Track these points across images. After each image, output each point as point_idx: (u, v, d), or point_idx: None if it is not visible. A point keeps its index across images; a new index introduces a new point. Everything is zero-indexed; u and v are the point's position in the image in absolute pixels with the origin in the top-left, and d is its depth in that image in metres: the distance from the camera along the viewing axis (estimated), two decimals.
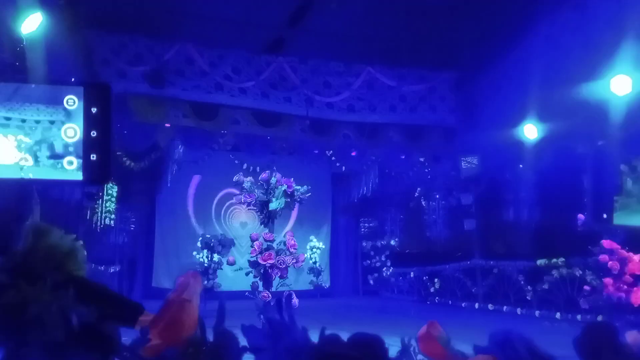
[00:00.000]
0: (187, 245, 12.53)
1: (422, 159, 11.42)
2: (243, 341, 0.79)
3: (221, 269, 10.13)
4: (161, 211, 13.85)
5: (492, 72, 9.83)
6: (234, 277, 9.16)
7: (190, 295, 0.79)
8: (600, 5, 7.30)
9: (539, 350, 0.79)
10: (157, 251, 13.69)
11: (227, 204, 13.37)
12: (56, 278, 0.71)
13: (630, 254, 6.84)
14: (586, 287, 7.47)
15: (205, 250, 10.18)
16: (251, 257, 7.99)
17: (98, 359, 0.73)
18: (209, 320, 0.79)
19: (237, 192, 8.53)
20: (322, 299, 13.29)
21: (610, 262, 6.89)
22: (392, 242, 14.59)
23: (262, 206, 8.20)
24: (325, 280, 14.18)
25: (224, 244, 10.11)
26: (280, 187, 8.04)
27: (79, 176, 0.68)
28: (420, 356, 0.80)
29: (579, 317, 7.83)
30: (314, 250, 13.53)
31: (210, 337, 0.79)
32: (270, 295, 7.71)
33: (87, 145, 0.66)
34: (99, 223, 10.97)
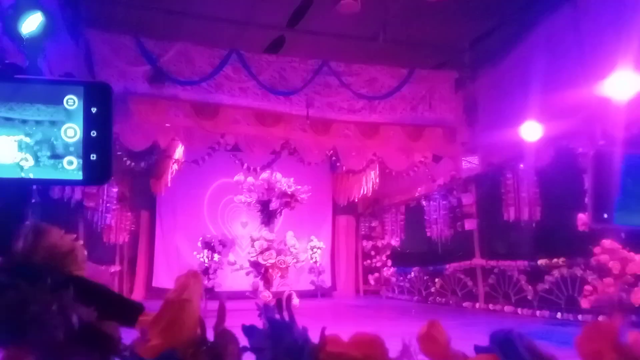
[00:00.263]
0: (188, 245, 12.54)
1: (422, 159, 11.42)
2: (243, 341, 0.79)
3: (222, 268, 10.14)
4: (161, 211, 13.87)
5: (492, 71, 9.84)
6: (235, 277, 9.18)
7: (190, 295, 0.79)
8: (601, 4, 7.29)
9: (540, 350, 0.79)
10: (158, 251, 13.71)
11: (228, 203, 13.39)
12: (56, 278, 0.71)
13: (631, 253, 6.85)
14: (587, 287, 7.47)
15: (205, 250, 10.18)
16: (252, 256, 8.01)
17: (98, 359, 0.73)
18: (209, 320, 0.79)
19: (238, 191, 8.56)
20: (322, 298, 13.31)
21: (611, 262, 6.90)
22: (393, 242, 14.59)
23: (262, 206, 8.22)
24: (325, 280, 14.19)
25: (225, 244, 10.11)
26: (280, 186, 8.05)
27: (79, 176, 0.68)
28: (420, 356, 0.79)
29: (579, 317, 7.83)
30: (315, 250, 13.54)
31: (210, 337, 0.79)
32: (270, 295, 7.72)
33: (87, 145, 0.66)
34: (99, 223, 10.98)
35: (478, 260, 10.75)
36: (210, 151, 11.68)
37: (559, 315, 8.40)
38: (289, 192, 8.13)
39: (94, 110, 0.78)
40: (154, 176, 13.04)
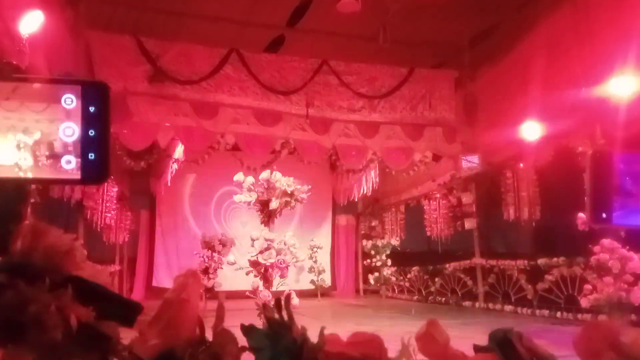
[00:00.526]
0: (187, 245, 12.54)
1: (422, 158, 11.42)
2: (242, 341, 0.79)
3: (221, 268, 10.14)
4: (161, 210, 13.87)
5: (492, 71, 9.83)
6: (234, 276, 9.17)
7: (189, 294, 0.79)
8: (600, 4, 7.29)
9: (539, 349, 0.79)
10: (157, 251, 13.71)
11: (227, 203, 13.39)
12: (55, 278, 0.71)
13: (631, 253, 6.85)
14: (587, 286, 7.47)
15: (205, 250, 10.18)
16: (251, 256, 8.00)
17: (97, 359, 0.73)
18: (208, 319, 0.79)
19: (238, 191, 8.56)
20: (322, 298, 13.31)
21: (611, 262, 6.90)
22: (393, 241, 14.59)
23: (262, 205, 8.22)
24: (325, 280, 14.20)
25: (224, 244, 10.11)
26: (280, 186, 8.05)
27: (77, 175, 0.68)
28: (419, 356, 0.79)
29: (579, 316, 7.84)
30: (315, 249, 13.55)
31: (209, 336, 0.79)
32: (270, 295, 7.72)
33: (86, 145, 0.66)
34: (99, 222, 10.98)
35: (478, 260, 10.75)
36: (210, 151, 11.68)
37: (558, 314, 8.40)
38: (289, 192, 8.13)
39: (92, 109, 0.78)
40: (154, 176, 13.05)
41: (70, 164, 0.77)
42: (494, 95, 9.77)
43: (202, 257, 10.17)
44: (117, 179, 11.40)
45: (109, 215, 11.34)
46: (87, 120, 0.78)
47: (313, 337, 0.78)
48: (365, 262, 15.10)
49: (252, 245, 8.02)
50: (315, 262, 13.60)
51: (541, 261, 8.92)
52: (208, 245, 10.09)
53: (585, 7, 7.55)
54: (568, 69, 7.72)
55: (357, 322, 8.66)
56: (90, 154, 0.77)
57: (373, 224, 15.40)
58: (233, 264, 9.25)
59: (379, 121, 10.22)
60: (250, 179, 8.32)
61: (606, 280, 6.95)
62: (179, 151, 11.71)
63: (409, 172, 11.91)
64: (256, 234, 8.15)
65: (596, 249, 7.10)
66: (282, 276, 7.95)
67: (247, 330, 0.79)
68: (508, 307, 9.66)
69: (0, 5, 4.87)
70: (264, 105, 9.63)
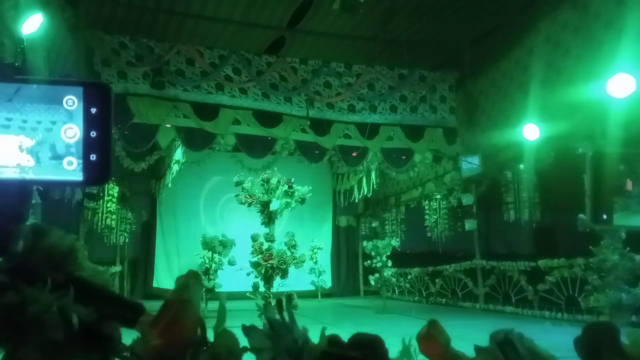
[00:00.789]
0: (188, 246, 12.54)
1: (422, 159, 11.41)
2: (244, 341, 0.79)
3: (222, 269, 10.13)
4: (162, 211, 13.87)
5: (493, 71, 9.84)
6: (235, 277, 9.17)
7: (191, 295, 0.79)
8: (600, 4, 7.30)
9: (540, 350, 0.79)
10: (158, 251, 13.71)
11: (228, 204, 13.38)
12: (56, 278, 0.71)
13: (632, 254, 6.85)
14: (587, 287, 7.47)
15: (206, 251, 10.18)
16: (252, 257, 8.00)
17: (98, 359, 0.73)
18: (209, 320, 0.79)
19: (238, 192, 8.55)
20: (323, 299, 13.31)
21: (611, 262, 6.89)
22: (393, 243, 14.57)
23: (263, 206, 8.22)
24: (326, 281, 14.19)
25: (225, 244, 10.11)
26: (280, 187, 8.05)
27: (79, 177, 0.68)
28: (420, 356, 0.79)
29: (580, 317, 7.83)
30: (315, 250, 13.53)
31: (210, 337, 0.79)
32: (271, 296, 7.72)
33: (87, 146, 0.66)
34: (100, 223, 10.98)
35: (478, 261, 10.74)
36: (211, 152, 11.68)
37: (559, 315, 8.39)
38: (289, 193, 8.12)
39: (93, 110, 0.78)
40: (155, 177, 13.05)
41: (72, 165, 0.77)
42: (494, 96, 9.77)
43: (203, 258, 10.17)
44: (118, 180, 11.40)
45: (110, 216, 11.34)
46: (89, 122, 0.78)
47: (314, 338, 0.78)
48: (365, 263, 15.08)
49: (253, 246, 8.02)
50: (315, 263, 13.59)
51: (542, 262, 8.91)
52: (209, 246, 10.09)
53: (585, 7, 7.56)
54: (568, 69, 7.72)
55: (358, 323, 8.66)
56: (91, 155, 0.77)
57: (373, 225, 15.40)
58: (234, 264, 9.26)
59: (379, 122, 10.23)
60: (250, 180, 8.32)
61: (607, 281, 6.95)
62: (179, 152, 11.71)
63: (410, 173, 11.90)
64: (257, 235, 8.15)
65: (597, 250, 7.10)
66: (282, 277, 7.95)
67: (248, 330, 0.79)
68: (509, 308, 9.65)
69: (2, 6, 4.88)
70: (264, 107, 9.64)
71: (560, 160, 8.19)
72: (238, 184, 8.32)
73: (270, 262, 7.80)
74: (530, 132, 8.52)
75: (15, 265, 0.70)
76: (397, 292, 14.10)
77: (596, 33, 7.25)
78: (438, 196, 12.32)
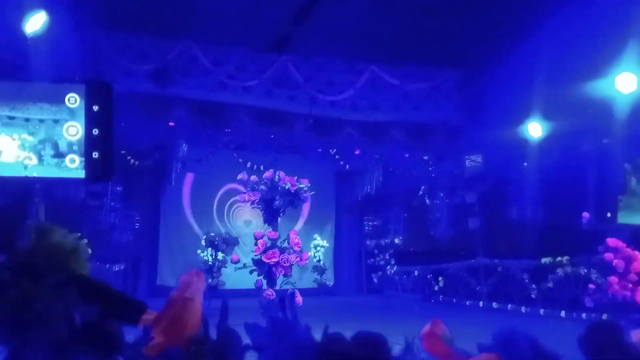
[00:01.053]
0: (192, 244, 12.55)
1: (426, 157, 11.40)
2: (246, 339, 0.79)
3: (225, 267, 10.14)
4: (165, 209, 13.88)
5: (496, 69, 9.79)
6: (238, 275, 9.17)
7: (193, 293, 0.79)
8: (606, 1, 7.26)
9: (543, 348, 0.79)
10: (162, 249, 13.72)
11: (231, 202, 13.39)
12: (59, 276, 0.71)
13: (636, 252, 6.82)
14: (591, 286, 7.45)
15: (209, 249, 10.19)
16: (255, 255, 8.00)
17: (101, 357, 0.73)
18: (212, 318, 0.79)
19: (241, 190, 8.55)
20: (326, 297, 13.30)
21: (616, 261, 6.87)
22: (396, 241, 14.57)
23: (266, 204, 8.21)
24: (329, 279, 14.19)
25: (228, 242, 10.12)
26: (283, 185, 8.04)
27: (81, 174, 0.68)
28: (423, 354, 0.79)
29: (583, 315, 7.81)
30: (318, 248, 13.53)
31: (213, 335, 0.79)
32: (274, 294, 7.72)
33: (89, 144, 0.66)
34: (103, 222, 11.00)
35: (481, 259, 10.73)
36: (214, 150, 11.68)
37: (562, 313, 8.37)
38: (293, 191, 8.12)
39: (95, 108, 0.78)
40: (158, 175, 13.06)
41: (74, 163, 0.77)
42: (498, 93, 9.74)
43: (206, 255, 10.18)
44: (121, 178, 11.41)
45: (114, 214, 11.36)
46: (91, 120, 0.78)
47: (317, 335, 0.78)
48: (368, 261, 15.08)
49: (256, 244, 8.02)
50: (319, 261, 13.59)
51: (545, 260, 8.89)
52: (212, 244, 10.10)
53: (592, 4, 7.52)
54: (573, 67, 7.69)
55: (361, 321, 8.65)
56: (94, 153, 0.77)
57: (376, 223, 15.39)
58: (237, 262, 9.26)
59: (382, 120, 10.21)
60: (254, 178, 8.31)
61: (611, 279, 6.93)
62: (183, 150, 11.71)
63: (413, 172, 11.89)
64: (260, 233, 8.15)
65: (601, 248, 7.07)
66: (285, 275, 7.95)
67: (251, 328, 0.79)
68: (512, 306, 9.63)
69: (6, 5, 4.89)
70: (267, 105, 9.63)
71: (564, 158, 8.17)
72: (241, 181, 8.32)
73: (273, 260, 7.80)
74: (535, 130, 8.50)
75: (19, 263, 0.70)
76: (400, 290, 14.09)
77: (602, 30, 7.22)
78: (441, 194, 12.30)
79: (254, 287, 8.01)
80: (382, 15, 8.91)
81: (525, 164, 9.38)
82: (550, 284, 8.73)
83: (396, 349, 0.79)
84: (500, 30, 9.25)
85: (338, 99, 9.96)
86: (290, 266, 8.01)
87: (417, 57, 10.00)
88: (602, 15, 7.27)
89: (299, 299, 7.17)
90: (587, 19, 7.54)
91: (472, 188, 11.15)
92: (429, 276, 12.74)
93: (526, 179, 9.39)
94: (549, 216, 9.10)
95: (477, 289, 10.83)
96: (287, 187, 8.08)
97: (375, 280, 14.70)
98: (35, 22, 5.46)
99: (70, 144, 0.79)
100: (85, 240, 0.80)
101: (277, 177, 8.16)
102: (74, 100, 0.78)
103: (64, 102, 0.78)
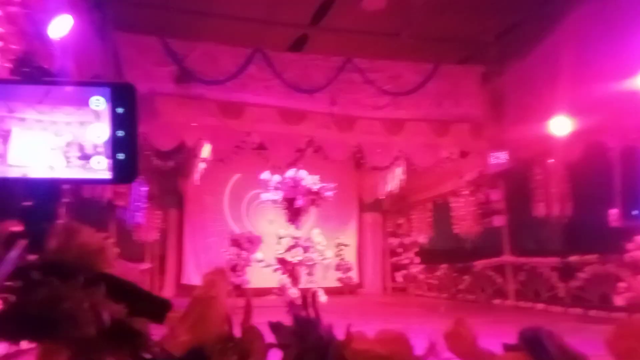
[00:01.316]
0: (215, 243, 12.68)
1: (449, 155, 11.29)
2: (270, 337, 0.80)
3: (249, 265, 10.22)
4: (189, 209, 14.05)
5: (519, 65, 9.66)
6: (262, 273, 9.24)
7: (218, 292, 0.80)
8: None
9: (570, 348, 0.78)
10: (186, 249, 13.89)
11: (254, 201, 13.48)
12: (88, 275, 0.73)
13: None
14: (621, 284, 7.29)
15: (233, 247, 10.28)
16: (278, 254, 8.05)
17: (128, 354, 0.74)
18: (236, 317, 0.80)
19: (264, 189, 8.61)
20: (349, 296, 13.30)
21: None
22: (420, 239, 14.48)
23: (288, 203, 8.25)
24: (352, 278, 14.18)
25: (252, 241, 10.19)
26: (305, 184, 8.07)
27: (107, 175, 0.70)
28: (447, 354, 0.79)
29: (613, 314, 7.65)
30: (341, 247, 13.54)
31: (237, 333, 0.80)
32: (297, 292, 7.75)
33: (114, 145, 0.67)
34: (129, 221, 11.18)
35: (507, 257, 10.59)
36: (236, 149, 11.78)
37: (591, 313, 8.21)
38: (315, 190, 8.13)
39: (120, 110, 0.79)
40: (182, 175, 13.22)
41: (100, 164, 0.79)
42: (521, 90, 9.60)
43: (230, 254, 10.27)
44: (146, 178, 11.59)
45: (139, 214, 11.53)
46: (116, 122, 0.79)
47: (340, 334, 0.78)
48: (392, 259, 15.03)
49: (279, 243, 8.06)
50: (342, 259, 13.59)
51: (573, 258, 8.74)
52: (236, 243, 10.19)
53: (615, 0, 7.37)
54: (597, 63, 7.53)
55: (384, 319, 8.62)
56: (119, 154, 0.79)
57: (400, 221, 15.32)
58: (260, 261, 9.32)
59: (404, 118, 10.15)
60: (276, 178, 8.35)
61: None
62: (206, 150, 11.83)
63: (436, 169, 11.80)
64: (283, 232, 8.19)
65: (630, 246, 6.92)
66: (309, 274, 7.97)
67: (275, 327, 0.79)
68: (539, 306, 9.49)
69: (32, 9, 5.00)
70: (288, 104, 9.67)
71: (590, 154, 8.01)
72: (263, 181, 8.37)
73: (297, 258, 7.83)
74: (559, 126, 8.35)
75: (49, 263, 0.71)
76: (424, 289, 14.01)
77: (627, 24, 7.06)
78: (465, 192, 12.18)
79: (277, 286, 8.06)
80: (402, 12, 8.86)
81: (550, 160, 9.22)
82: (579, 283, 8.58)
83: (419, 348, 0.78)
84: (523, 24, 9.12)
85: (359, 96, 9.94)
86: (314, 265, 8.04)
87: (438, 53, 9.92)
88: (628, 8, 7.11)
89: (322, 297, 7.18)
90: (612, 11, 7.38)
91: (496, 185, 11.02)
92: (454, 274, 12.64)
93: (552, 176, 9.23)
94: (577, 213, 8.93)
95: (504, 287, 10.70)
96: (309, 186, 8.10)
97: (400, 278, 14.64)
98: (61, 26, 5.57)
99: (96, 146, 0.81)
100: (112, 240, 0.81)
101: (299, 176, 8.20)
102: (98, 102, 0.80)
103: (89, 104, 0.80)
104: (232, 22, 9.25)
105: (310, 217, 10.96)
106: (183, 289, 12.94)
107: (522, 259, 10.16)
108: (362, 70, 9.89)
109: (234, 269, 9.93)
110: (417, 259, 14.38)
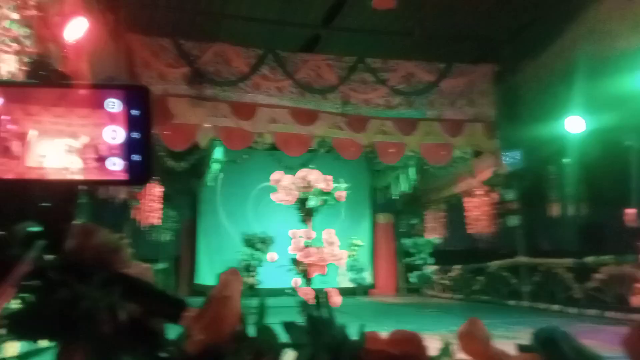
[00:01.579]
0: (229, 243, 12.73)
1: (462, 154, 11.23)
2: (284, 337, 0.80)
3: (262, 265, 10.25)
4: (203, 210, 14.13)
5: (534, 64, 9.58)
6: (275, 274, 9.26)
7: (232, 291, 0.80)
8: None
9: (585, 349, 0.77)
10: (200, 249, 13.97)
11: (266, 201, 13.51)
12: (104, 275, 0.74)
13: None
14: (637, 285, 7.20)
15: (246, 248, 10.32)
16: (291, 254, 8.07)
17: (145, 353, 0.75)
18: (250, 316, 0.80)
19: (276, 190, 8.63)
20: (362, 296, 13.29)
21: None
22: (434, 240, 14.42)
23: (301, 204, 8.26)
24: (366, 278, 14.16)
25: (265, 242, 10.23)
26: (318, 184, 8.07)
27: (123, 176, 0.71)
28: (460, 354, 0.78)
29: (629, 315, 7.55)
30: (354, 247, 13.52)
31: (251, 333, 0.80)
32: (310, 292, 7.76)
33: (130, 147, 0.69)
34: (143, 222, 11.27)
35: (522, 258, 10.50)
36: (249, 150, 11.83)
37: (607, 313, 8.12)
38: (327, 190, 8.14)
39: (134, 112, 0.80)
40: (195, 175, 13.30)
41: (115, 166, 0.80)
42: (536, 88, 9.51)
43: (244, 255, 10.31)
44: (160, 179, 11.68)
45: (153, 214, 11.62)
46: (130, 123, 0.81)
47: (353, 335, 0.78)
48: (405, 260, 14.99)
49: (292, 244, 8.08)
50: (355, 260, 13.58)
51: (589, 259, 8.63)
52: (249, 243, 10.23)
53: None
54: (614, 61, 7.44)
55: (397, 320, 8.60)
56: (134, 156, 0.80)
57: (413, 222, 15.26)
58: (274, 261, 9.35)
59: (416, 118, 10.12)
60: (288, 178, 8.37)
61: None
62: (218, 151, 11.89)
63: (449, 169, 11.73)
64: (295, 232, 8.20)
65: None
66: (322, 274, 7.98)
67: (289, 327, 0.80)
68: (554, 306, 9.40)
69: (47, 13, 5.06)
70: (300, 105, 9.68)
71: (606, 153, 7.91)
72: (276, 181, 8.39)
73: (310, 259, 7.84)
74: (574, 125, 8.27)
75: (67, 263, 0.73)
76: (438, 290, 13.94)
77: None
78: (479, 192, 12.10)
79: (291, 286, 8.08)
80: (415, 11, 8.83)
81: (565, 159, 9.12)
82: (595, 283, 8.48)
83: (433, 348, 0.78)
84: (537, 22, 9.04)
85: (371, 96, 9.92)
86: (326, 265, 8.04)
87: (451, 52, 9.86)
88: None
89: (336, 298, 7.19)
90: (627, 8, 7.29)
91: (511, 185, 10.93)
92: (467, 275, 12.56)
93: (567, 175, 9.13)
94: (592, 213, 8.82)
95: (518, 288, 10.61)
96: (321, 187, 8.11)
97: (413, 279, 14.59)
98: (76, 29, 5.63)
99: (111, 148, 0.83)
100: (127, 240, 0.82)
101: (311, 176, 8.20)
102: (113, 105, 0.82)
103: (104, 107, 0.82)
104: (245, 23, 9.29)
105: (323, 218, 10.96)
106: (197, 288, 13.01)
107: (537, 260, 10.06)
108: (374, 69, 9.87)
109: (247, 269, 9.96)
110: (431, 260, 14.31)
